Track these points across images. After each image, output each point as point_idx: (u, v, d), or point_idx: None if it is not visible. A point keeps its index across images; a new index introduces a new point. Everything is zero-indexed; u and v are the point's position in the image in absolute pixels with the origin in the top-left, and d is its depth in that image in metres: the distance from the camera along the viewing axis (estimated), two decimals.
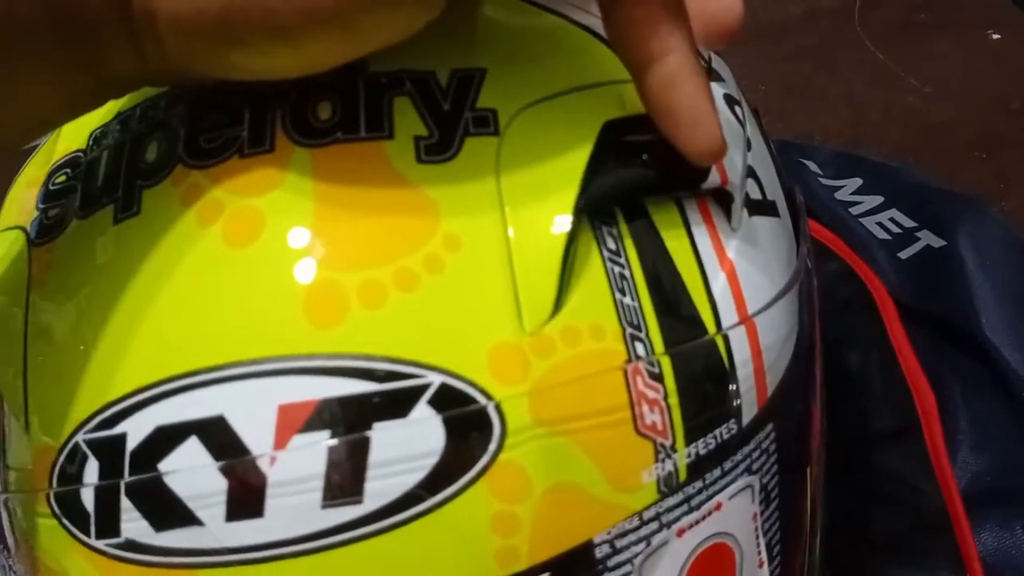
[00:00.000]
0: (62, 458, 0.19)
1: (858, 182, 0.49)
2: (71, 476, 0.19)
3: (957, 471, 0.36)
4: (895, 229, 0.46)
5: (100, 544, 0.19)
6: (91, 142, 0.22)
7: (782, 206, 0.25)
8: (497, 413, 0.18)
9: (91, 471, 0.19)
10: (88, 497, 0.19)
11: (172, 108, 0.21)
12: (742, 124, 0.24)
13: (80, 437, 0.19)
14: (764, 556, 0.21)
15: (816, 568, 0.25)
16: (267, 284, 0.19)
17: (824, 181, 0.49)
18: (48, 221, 0.22)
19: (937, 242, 0.44)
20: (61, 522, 0.19)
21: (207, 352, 0.18)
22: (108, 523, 0.19)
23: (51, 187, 0.22)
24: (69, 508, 0.19)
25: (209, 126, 0.20)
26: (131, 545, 0.19)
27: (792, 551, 0.23)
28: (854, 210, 0.48)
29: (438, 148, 0.19)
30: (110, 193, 0.21)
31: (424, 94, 0.20)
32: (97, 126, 0.22)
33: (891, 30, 0.61)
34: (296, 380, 0.18)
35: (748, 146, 0.23)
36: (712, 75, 0.25)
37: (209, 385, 0.18)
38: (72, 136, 0.23)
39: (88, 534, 0.19)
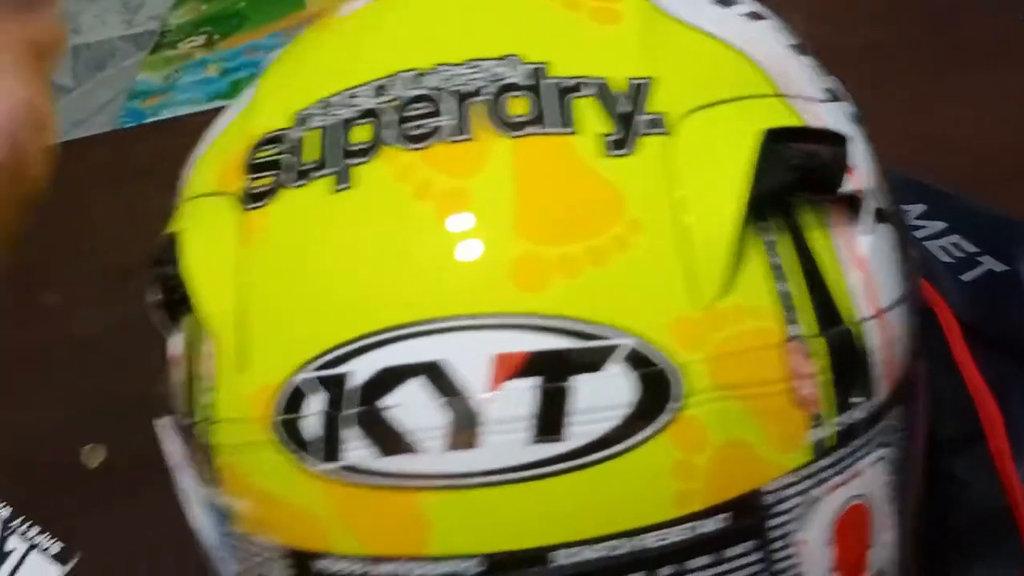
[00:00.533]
0: (284, 393, 0.22)
1: (922, 208, 0.52)
2: (295, 408, 0.22)
3: (1021, 477, 0.39)
4: (958, 253, 0.49)
5: (322, 468, 0.22)
6: (297, 121, 0.25)
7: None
8: (680, 375, 0.21)
9: (315, 404, 0.22)
10: (312, 426, 0.22)
11: (378, 97, 0.24)
12: (856, 119, 0.26)
13: (304, 375, 0.22)
14: (891, 521, 0.24)
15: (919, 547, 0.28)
16: (481, 251, 0.21)
17: None
18: (257, 189, 0.25)
19: (999, 267, 0.47)
20: (283, 450, 0.22)
21: (428, 306, 0.21)
22: (330, 450, 0.22)
23: (255, 160, 0.25)
24: (292, 437, 0.22)
25: (415, 115, 0.23)
26: (352, 469, 0.21)
27: (909, 523, 0.25)
28: (918, 234, 0.51)
29: (617, 144, 0.22)
30: (323, 168, 0.23)
31: (603, 97, 0.23)
32: (299, 108, 0.25)
33: (945, 66, 0.64)
34: (508, 334, 0.21)
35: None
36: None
37: (431, 335, 0.21)
38: (271, 116, 0.26)
39: (310, 460, 0.22)
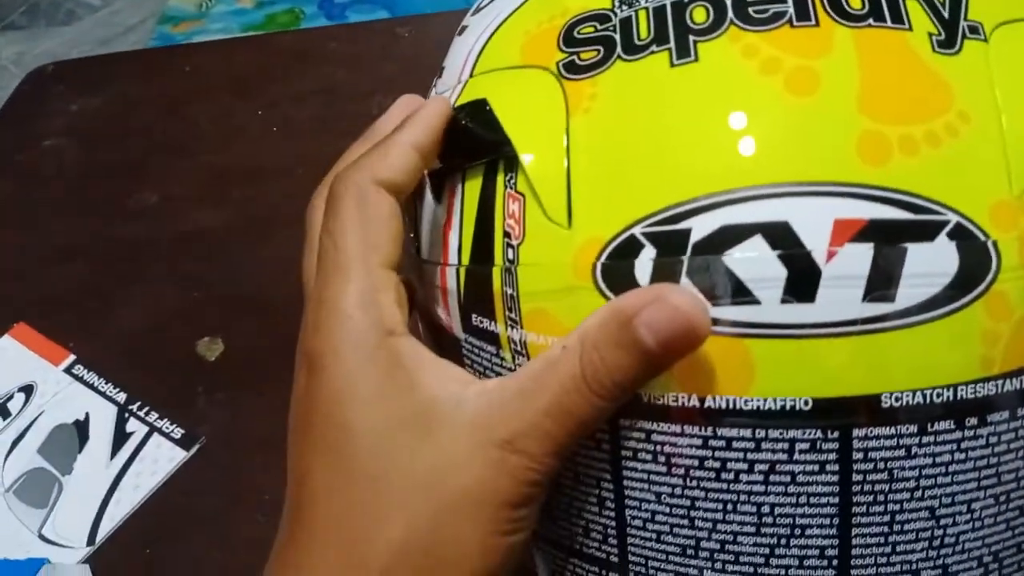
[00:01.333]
0: (614, 246, 0.24)
1: None
2: (626, 258, 0.24)
3: None
4: None
5: None
6: (617, 3, 0.27)
7: None
8: (995, 251, 0.23)
9: (645, 257, 0.24)
10: (643, 272, 0.24)
11: None
12: None
13: (637, 230, 0.24)
14: None
15: None
16: (827, 125, 0.24)
17: None
18: (583, 62, 0.26)
19: None
20: (609, 296, 0.24)
21: (773, 172, 0.23)
22: None
23: (577, 35, 0.27)
24: (619, 284, 0.24)
25: (756, 0, 0.25)
26: None
27: None
28: None
29: (945, 44, 0.24)
30: (661, 43, 0.25)
31: (928, 4, 0.25)
32: None
33: None
34: (849, 202, 0.23)
35: None
36: None
37: (774, 198, 0.23)
38: None
39: None
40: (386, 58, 0.78)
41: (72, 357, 0.61)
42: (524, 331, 0.26)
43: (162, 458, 0.54)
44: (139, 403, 0.58)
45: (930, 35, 0.24)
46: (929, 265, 0.23)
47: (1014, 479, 0.24)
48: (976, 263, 0.23)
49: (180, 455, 0.54)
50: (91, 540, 0.51)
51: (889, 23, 0.25)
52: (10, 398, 0.60)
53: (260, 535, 0.47)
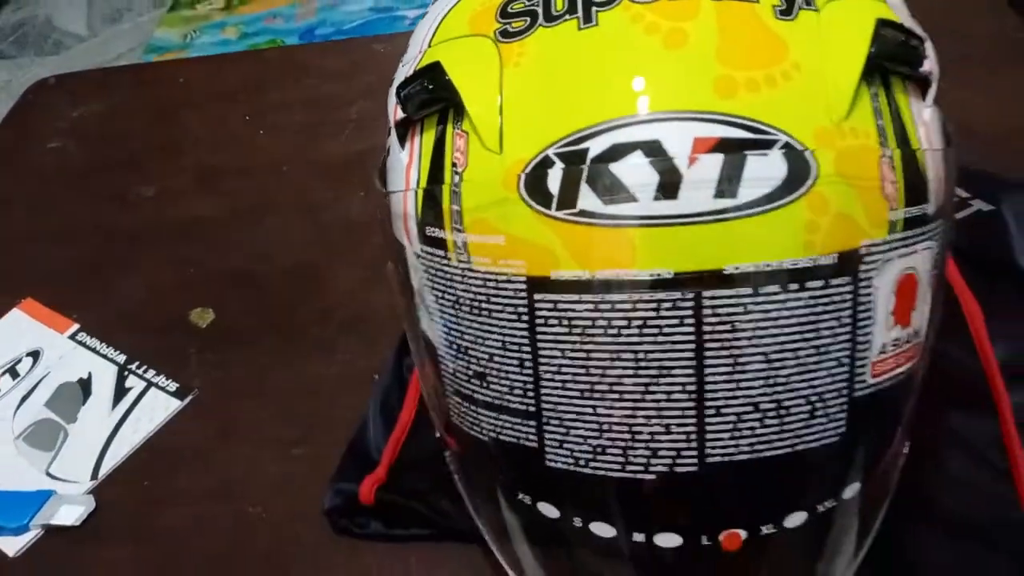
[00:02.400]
0: (533, 164, 0.32)
1: None
2: (542, 172, 0.32)
3: (995, 354, 0.50)
4: (954, 198, 0.60)
5: (560, 214, 0.32)
6: None
7: None
8: (815, 161, 0.31)
9: (556, 170, 0.32)
10: (554, 181, 0.32)
11: None
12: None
13: (551, 151, 0.32)
14: (927, 298, 0.35)
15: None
16: (692, 70, 0.32)
17: None
18: (514, 29, 0.34)
19: (986, 207, 0.58)
20: (529, 202, 0.32)
21: (652, 104, 0.31)
22: (568, 199, 0.31)
23: (510, 9, 0.35)
24: (538, 191, 0.32)
25: None
26: (583, 213, 0.31)
27: (935, 315, 0.36)
28: None
29: (785, 12, 0.33)
30: (572, 12, 0.33)
31: None
32: None
33: (956, 64, 0.76)
34: (706, 125, 0.31)
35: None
36: None
37: (651, 123, 0.31)
38: None
39: (551, 208, 0.32)
40: (365, 71, 0.86)
41: (76, 326, 0.68)
42: (467, 234, 0.34)
43: (158, 407, 0.61)
44: (137, 363, 0.65)
45: (774, 7, 0.33)
46: (764, 171, 0.31)
47: (831, 335, 0.32)
48: (800, 169, 0.31)
49: (175, 404, 0.61)
50: (94, 476, 0.58)
51: None
52: (18, 362, 0.66)
53: (245, 467, 0.54)
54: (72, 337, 0.67)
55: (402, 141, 0.38)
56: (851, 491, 0.35)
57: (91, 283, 0.72)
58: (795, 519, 0.34)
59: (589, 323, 0.32)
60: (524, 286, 0.33)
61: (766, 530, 0.33)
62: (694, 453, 0.32)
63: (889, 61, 0.34)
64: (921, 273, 0.34)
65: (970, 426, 0.49)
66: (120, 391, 0.63)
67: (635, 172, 0.31)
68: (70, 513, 0.55)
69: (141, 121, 0.88)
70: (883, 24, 0.33)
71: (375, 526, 0.50)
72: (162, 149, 0.84)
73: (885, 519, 0.40)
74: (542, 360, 0.33)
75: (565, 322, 0.32)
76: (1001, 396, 0.49)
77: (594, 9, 0.33)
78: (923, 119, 0.35)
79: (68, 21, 2.30)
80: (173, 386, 0.63)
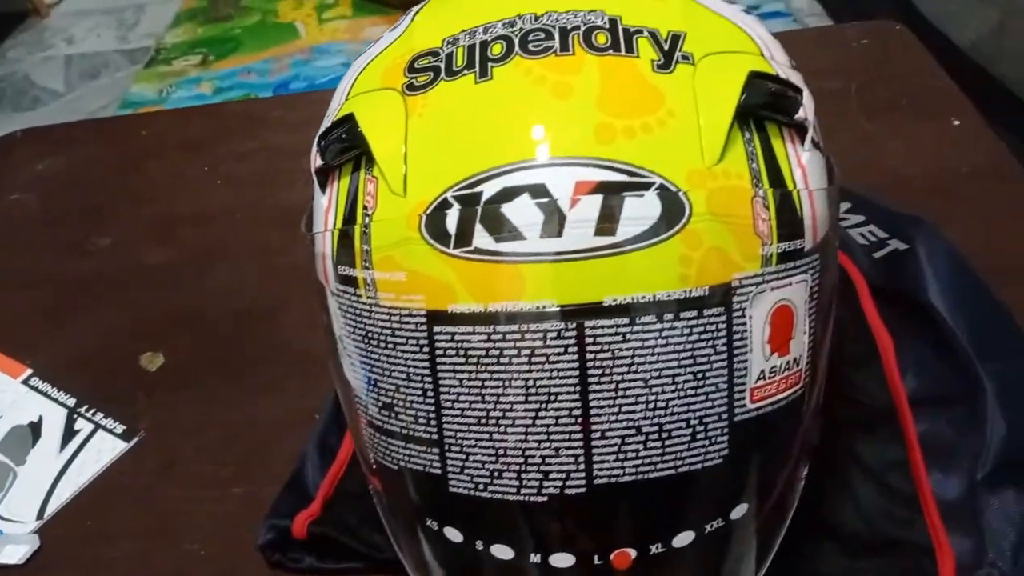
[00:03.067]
0: (433, 206, 0.35)
1: (848, 205, 0.67)
2: (441, 214, 0.34)
3: (904, 385, 0.53)
4: (872, 238, 0.63)
5: (457, 252, 0.34)
6: (445, 44, 0.38)
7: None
8: (688, 201, 0.34)
9: (454, 212, 0.34)
10: (452, 222, 0.34)
11: (508, 28, 0.37)
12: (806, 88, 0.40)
13: (449, 194, 0.35)
14: (805, 328, 0.37)
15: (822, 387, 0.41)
16: (575, 119, 0.34)
17: None
18: (419, 83, 0.37)
19: (902, 247, 0.61)
20: (429, 241, 0.34)
21: (540, 149, 0.34)
22: (464, 238, 0.34)
23: (416, 65, 0.38)
24: (437, 231, 0.34)
25: (535, 39, 0.36)
26: (478, 250, 0.34)
27: (819, 345, 0.38)
28: (843, 224, 0.65)
29: (663, 66, 0.36)
30: (470, 68, 0.36)
31: (654, 39, 0.36)
32: (447, 36, 0.38)
33: (879, 111, 0.80)
34: (587, 169, 0.33)
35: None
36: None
37: (537, 168, 0.34)
38: (424, 40, 0.38)
39: (449, 246, 0.34)
40: (319, 122, 0.89)
41: (29, 371, 0.70)
42: (374, 272, 0.36)
43: (105, 449, 0.63)
44: (87, 406, 0.66)
45: (652, 61, 0.36)
46: (640, 211, 0.33)
47: (707, 362, 0.34)
48: (675, 209, 0.33)
49: (121, 446, 0.63)
50: (40, 516, 0.59)
51: (623, 53, 0.36)
52: None
53: (186, 506, 0.56)
54: (25, 382, 0.69)
55: (323, 187, 0.41)
56: (739, 512, 0.37)
57: (45, 329, 0.73)
58: (683, 539, 0.36)
59: (483, 353, 0.34)
60: (424, 319, 0.35)
61: (655, 549, 0.35)
62: (582, 475, 0.34)
63: (763, 109, 0.36)
64: (797, 304, 0.37)
65: (876, 452, 0.51)
66: (69, 433, 0.65)
67: (523, 213, 0.33)
68: (14, 552, 0.56)
69: (103, 173, 0.90)
70: (755, 76, 0.36)
71: (308, 560, 0.52)
72: (122, 199, 0.86)
73: (788, 538, 0.42)
74: (442, 390, 0.35)
75: (462, 353, 0.34)
76: (908, 425, 0.51)
77: (490, 64, 0.36)
78: (800, 161, 0.38)
79: (46, 78, 2.34)
80: (120, 428, 0.64)
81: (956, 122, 0.76)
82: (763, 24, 0.41)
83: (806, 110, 0.38)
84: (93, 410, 0.66)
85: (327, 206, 0.40)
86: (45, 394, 0.68)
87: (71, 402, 0.67)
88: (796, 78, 0.39)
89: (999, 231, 0.67)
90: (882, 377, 0.54)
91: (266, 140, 0.90)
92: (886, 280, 0.60)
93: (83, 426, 0.65)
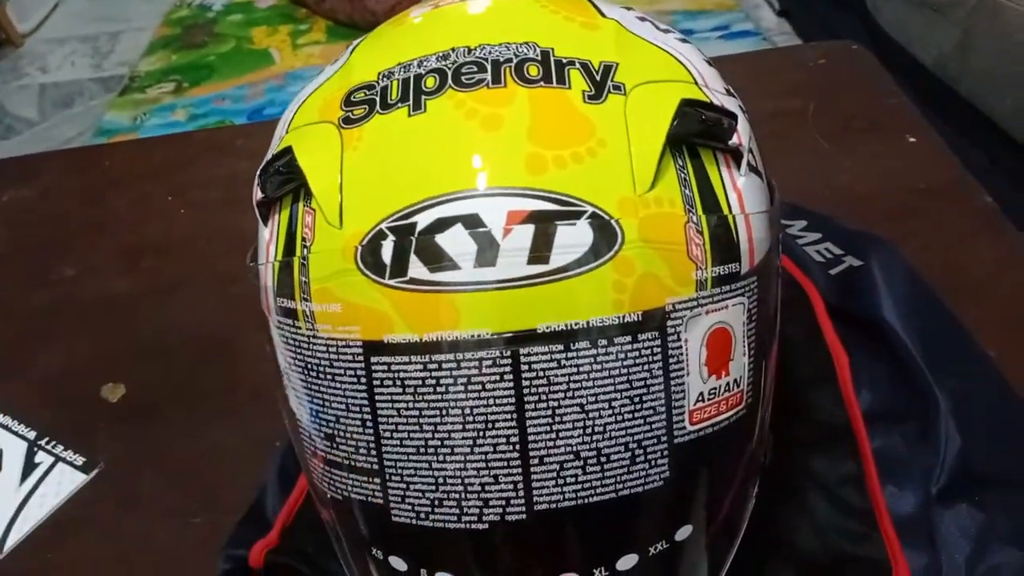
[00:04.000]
0: (368, 237, 0.35)
1: (803, 223, 0.67)
2: (376, 245, 0.35)
3: (859, 402, 0.53)
4: (828, 255, 0.64)
5: (392, 282, 0.34)
6: (380, 77, 0.38)
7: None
8: (620, 228, 0.34)
9: (389, 242, 0.34)
10: (387, 252, 0.34)
11: (442, 62, 0.37)
12: (744, 111, 0.41)
13: (384, 225, 0.35)
14: (744, 349, 0.38)
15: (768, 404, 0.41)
16: (506, 151, 0.35)
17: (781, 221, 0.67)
18: (355, 116, 0.37)
19: (857, 263, 0.62)
20: (365, 272, 0.35)
21: (473, 180, 0.34)
22: (399, 268, 0.34)
23: (352, 99, 0.38)
24: (373, 262, 0.34)
25: (467, 72, 0.36)
26: (413, 280, 0.34)
27: (762, 365, 0.39)
28: (800, 241, 0.66)
29: (595, 97, 0.36)
30: (404, 101, 0.37)
31: (586, 70, 0.37)
32: (382, 69, 0.38)
33: (835, 130, 0.81)
34: (519, 200, 0.34)
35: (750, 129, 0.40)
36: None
37: (470, 198, 0.34)
38: (362, 74, 0.39)
39: (384, 276, 0.34)
40: None
41: None
42: (312, 303, 0.36)
43: (65, 482, 0.62)
44: (47, 438, 0.66)
45: (583, 92, 0.36)
46: (572, 239, 0.34)
47: (643, 386, 0.34)
48: (607, 236, 0.34)
49: (80, 478, 0.62)
50: None
51: (555, 84, 0.36)
52: None
53: (144, 537, 0.56)
54: None
55: (264, 219, 0.41)
56: (684, 533, 0.37)
57: (6, 361, 0.73)
58: (627, 562, 0.36)
59: (420, 382, 0.34)
60: (361, 350, 0.35)
61: (599, 573, 0.35)
62: (522, 502, 0.34)
63: (695, 137, 0.37)
64: (734, 326, 0.37)
65: (830, 468, 0.51)
66: (29, 466, 0.64)
67: (457, 243, 0.34)
68: None
69: (68, 203, 0.90)
70: (687, 104, 0.37)
71: None
72: (87, 229, 0.86)
73: (740, 557, 0.42)
74: (381, 419, 0.35)
75: (399, 382, 0.34)
76: (863, 440, 0.52)
77: (423, 97, 0.36)
78: (736, 186, 0.38)
79: (20, 106, 2.33)
80: (80, 460, 0.64)
81: (912, 139, 0.77)
82: (699, 51, 0.42)
83: (741, 135, 0.39)
84: (53, 442, 0.66)
85: (268, 238, 0.40)
86: (5, 427, 0.67)
87: (31, 435, 0.67)
88: (731, 104, 0.40)
89: (955, 248, 0.68)
90: (837, 394, 0.54)
91: (229, 167, 0.90)
92: (842, 296, 0.60)
93: (43, 459, 0.64)
